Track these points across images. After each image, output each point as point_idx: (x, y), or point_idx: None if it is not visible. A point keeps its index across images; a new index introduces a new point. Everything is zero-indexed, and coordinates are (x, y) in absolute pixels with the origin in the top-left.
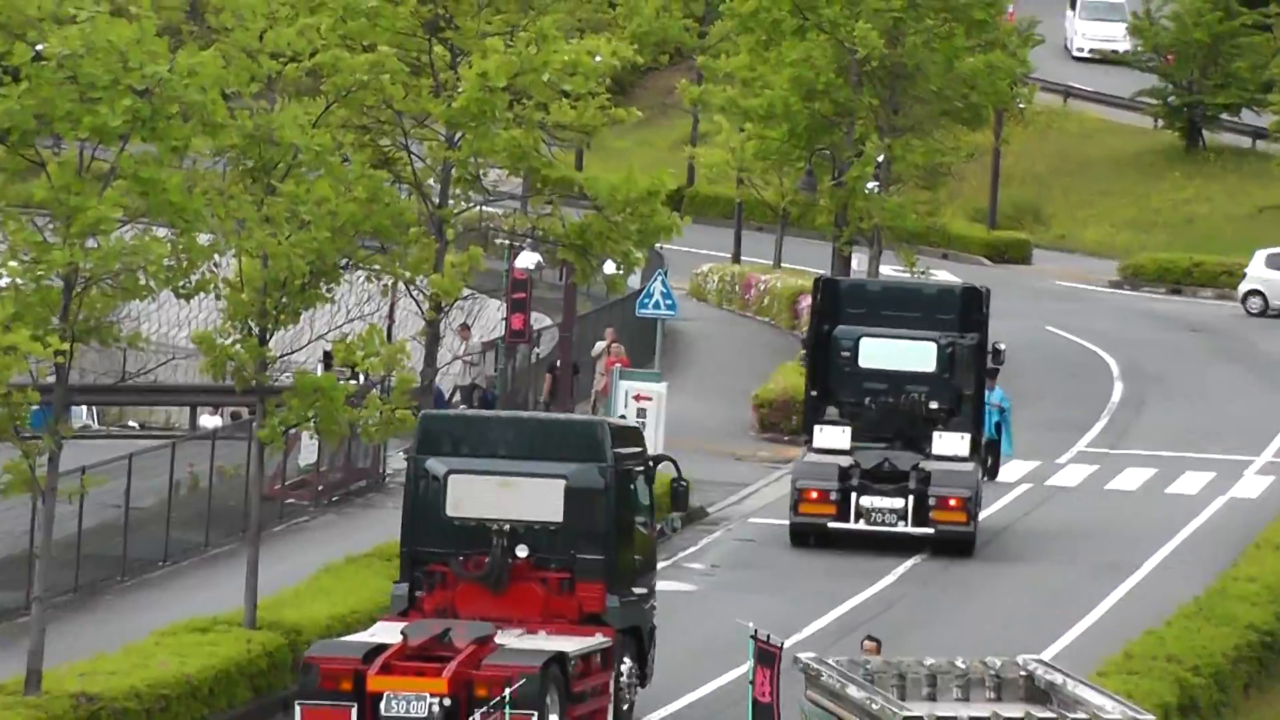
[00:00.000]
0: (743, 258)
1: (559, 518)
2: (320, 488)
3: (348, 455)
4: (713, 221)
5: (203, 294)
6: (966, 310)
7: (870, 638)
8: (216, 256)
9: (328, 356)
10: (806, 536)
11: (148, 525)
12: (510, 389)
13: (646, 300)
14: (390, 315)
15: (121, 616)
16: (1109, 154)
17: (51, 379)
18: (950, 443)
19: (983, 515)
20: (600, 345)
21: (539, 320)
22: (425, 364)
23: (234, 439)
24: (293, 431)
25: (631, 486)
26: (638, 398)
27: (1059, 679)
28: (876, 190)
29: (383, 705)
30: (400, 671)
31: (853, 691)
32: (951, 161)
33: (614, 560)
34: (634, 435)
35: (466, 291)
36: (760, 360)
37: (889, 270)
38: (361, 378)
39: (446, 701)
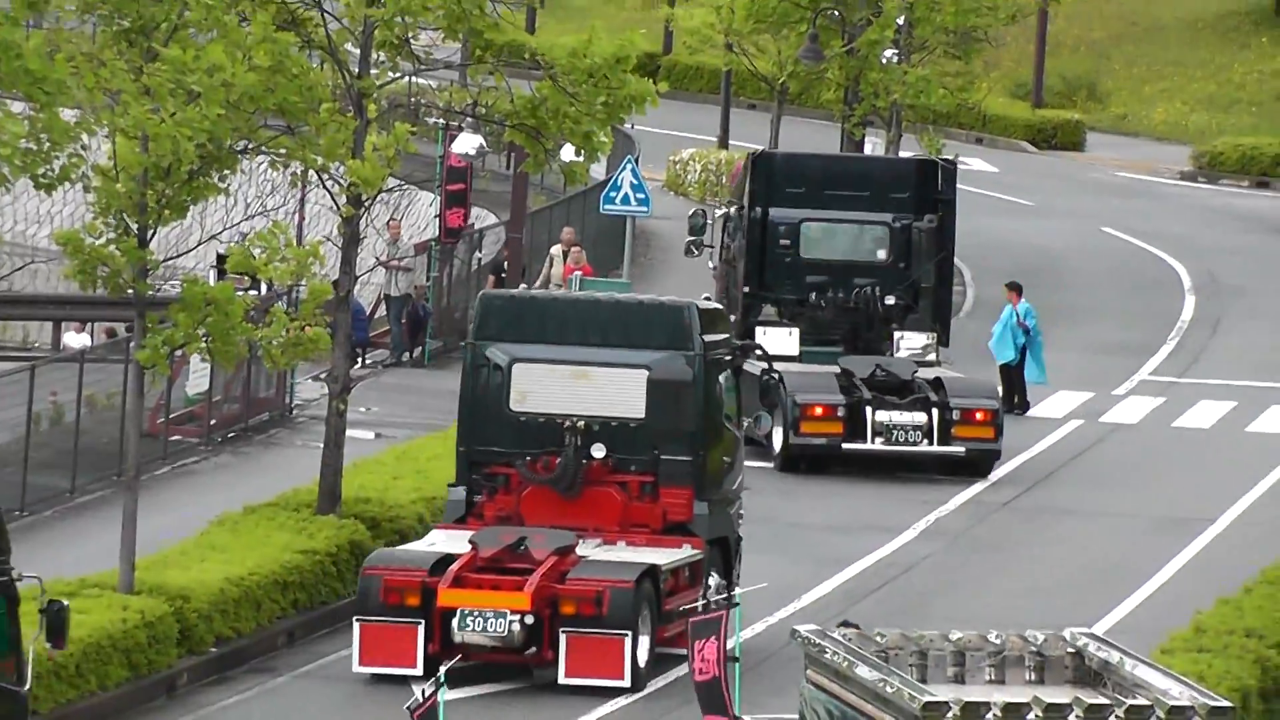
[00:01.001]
0: (731, 142)
1: (641, 413)
2: (212, 422)
3: (246, 383)
4: (695, 97)
5: (68, 184)
6: (923, 187)
7: (846, 623)
8: (85, 137)
9: (221, 261)
10: (799, 463)
11: (1, 467)
12: (447, 302)
13: (613, 193)
14: (299, 211)
15: None
16: (1182, 16)
17: None
18: (913, 343)
19: (1023, 458)
20: (556, 249)
21: (481, 217)
22: (342, 271)
23: (106, 361)
24: (179, 354)
25: (720, 378)
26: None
27: (1114, 657)
28: (895, 60)
29: (455, 623)
30: (474, 585)
31: (862, 672)
32: (988, 25)
33: (703, 462)
34: (722, 320)
35: (393, 182)
36: None
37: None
38: (263, 287)
39: (529, 619)
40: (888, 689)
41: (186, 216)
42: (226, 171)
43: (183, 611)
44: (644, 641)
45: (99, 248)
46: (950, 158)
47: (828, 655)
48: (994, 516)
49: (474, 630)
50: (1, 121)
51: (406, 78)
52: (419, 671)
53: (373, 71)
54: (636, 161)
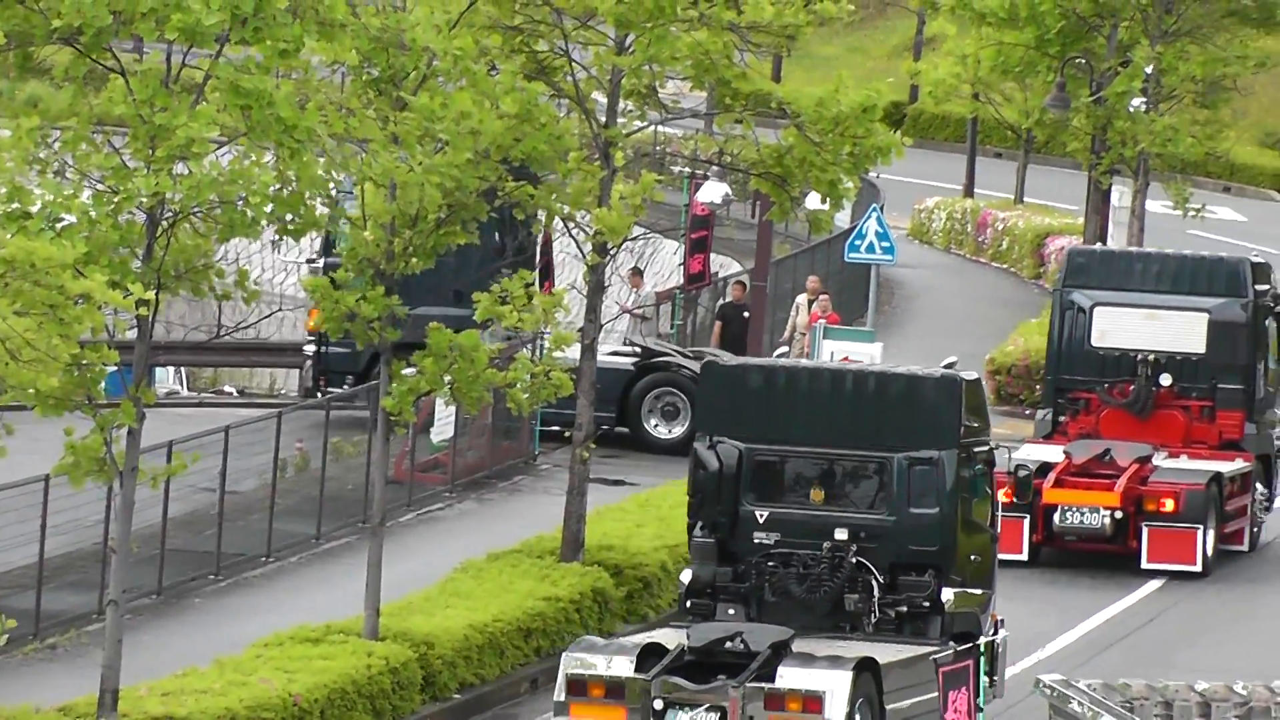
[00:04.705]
0: (976, 190)
1: (1201, 349)
2: (457, 469)
3: (490, 429)
4: (940, 146)
5: (315, 232)
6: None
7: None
8: (333, 187)
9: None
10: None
11: (247, 514)
12: (691, 349)
13: (858, 242)
14: (544, 258)
15: (214, 624)
16: None
17: (132, 334)
18: None
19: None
20: (802, 298)
21: (725, 265)
22: (586, 319)
23: (352, 409)
24: (424, 400)
25: (1265, 323)
26: (845, 361)
27: None
28: (1144, 109)
29: (1056, 516)
30: (1071, 486)
31: None
32: (1237, 73)
33: (1252, 391)
34: (1266, 274)
35: (637, 230)
36: (997, 317)
37: (1156, 206)
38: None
39: (1118, 514)
40: None
41: (433, 264)
42: (473, 220)
43: (427, 658)
44: (1210, 535)
45: (347, 296)
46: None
47: (1073, 705)
48: (1239, 564)
49: (1073, 523)
50: (251, 171)
51: (653, 127)
52: (1024, 558)
53: (620, 120)
54: (881, 210)
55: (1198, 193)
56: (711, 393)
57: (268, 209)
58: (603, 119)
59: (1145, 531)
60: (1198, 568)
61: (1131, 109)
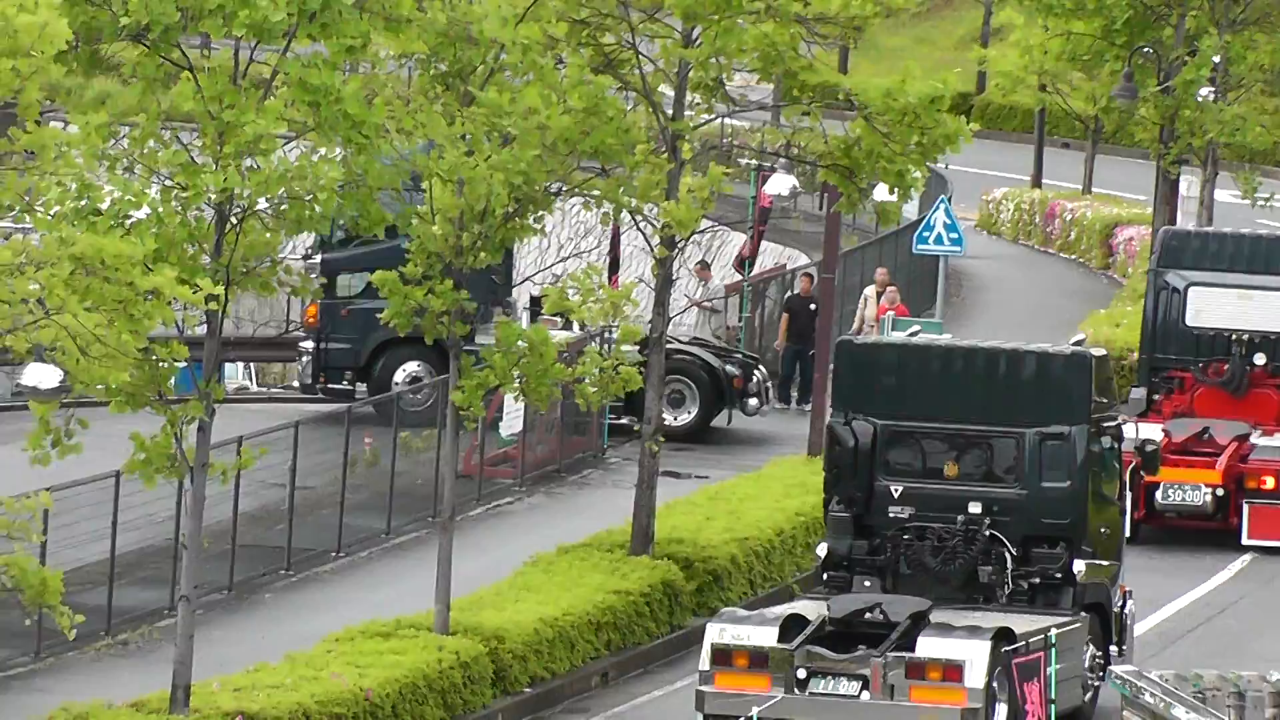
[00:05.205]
0: (1044, 181)
1: None
2: (526, 463)
3: (559, 423)
4: (1008, 137)
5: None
6: None
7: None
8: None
9: (536, 303)
10: None
11: (317, 509)
12: (760, 343)
13: (926, 233)
14: (612, 252)
15: (285, 619)
16: None
17: (202, 330)
18: None
19: None
20: (870, 289)
21: (792, 257)
22: (654, 312)
23: (422, 404)
24: (494, 395)
25: None
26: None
27: None
28: (1212, 98)
29: (1159, 493)
30: (1172, 464)
31: (1179, 713)
32: None
33: None
34: None
35: (705, 223)
36: (1066, 308)
37: (1224, 196)
38: (577, 328)
39: (1219, 491)
40: None
41: (501, 259)
42: (541, 214)
43: (497, 652)
44: None
45: (416, 291)
46: None
47: (1145, 697)
48: None
49: (1176, 500)
50: (319, 166)
51: (720, 119)
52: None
53: (687, 113)
54: (949, 201)
55: (1266, 182)
56: (846, 371)
57: (336, 204)
58: (670, 112)
59: (1246, 508)
60: None
61: (1199, 98)
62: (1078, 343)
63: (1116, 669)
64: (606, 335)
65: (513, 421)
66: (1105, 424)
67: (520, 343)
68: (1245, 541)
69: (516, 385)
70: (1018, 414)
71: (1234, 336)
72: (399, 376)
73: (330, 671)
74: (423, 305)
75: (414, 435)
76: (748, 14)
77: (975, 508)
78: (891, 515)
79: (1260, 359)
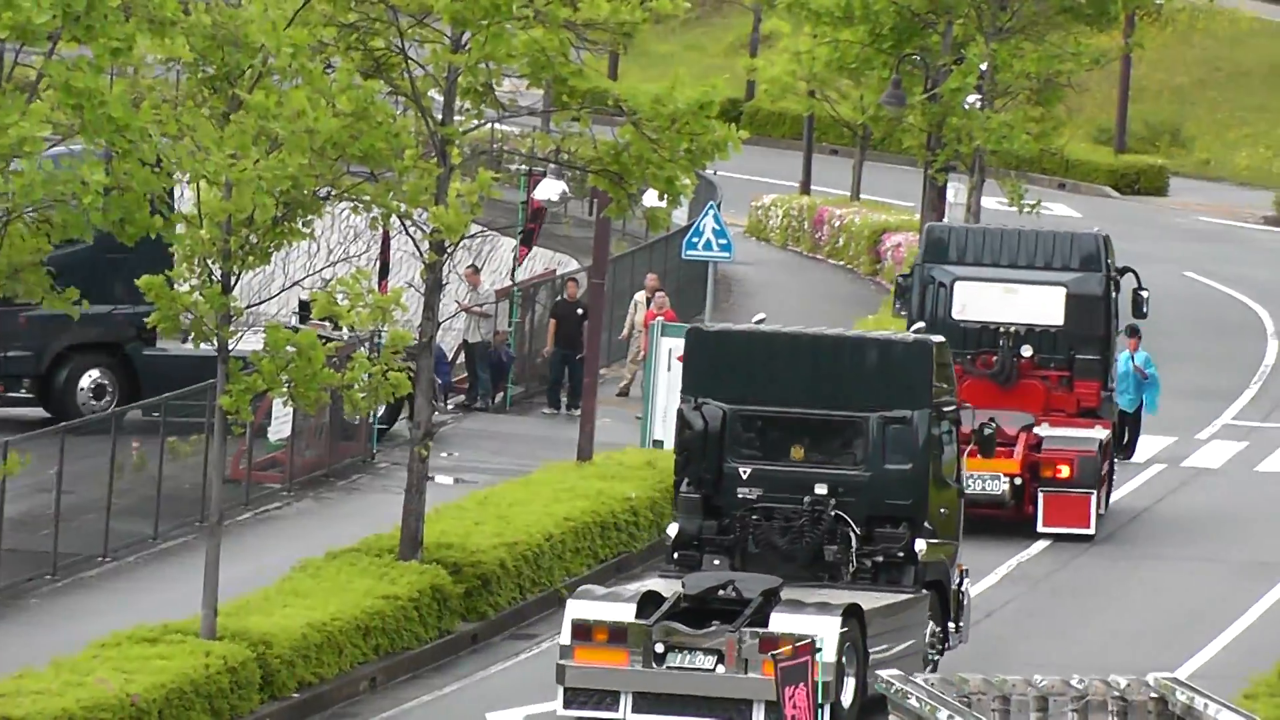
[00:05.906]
0: (813, 187)
1: (1060, 321)
2: (295, 468)
3: (328, 428)
4: (777, 143)
5: (149, 231)
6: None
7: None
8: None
9: (304, 307)
10: None
11: (83, 514)
12: (529, 348)
13: (695, 239)
14: (382, 257)
15: (51, 624)
16: (1265, 61)
17: None
18: None
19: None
20: (640, 295)
21: (563, 263)
22: (424, 317)
23: (187, 405)
24: (261, 399)
25: (1114, 295)
26: (682, 358)
27: (1199, 702)
28: (978, 105)
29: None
30: (970, 454)
31: (943, 717)
32: (1071, 71)
33: (1108, 361)
34: (1110, 247)
35: (475, 228)
36: (834, 313)
37: (991, 202)
38: (345, 333)
39: (1017, 481)
40: None
41: (269, 263)
42: (310, 218)
43: (265, 657)
44: (1098, 500)
45: (183, 295)
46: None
47: (910, 701)
48: (1076, 561)
49: (974, 490)
50: (84, 170)
51: (490, 124)
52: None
53: (456, 118)
54: (718, 207)
55: (1032, 189)
56: (696, 357)
57: (100, 209)
58: (439, 117)
59: (1041, 497)
60: (1091, 530)
61: (966, 106)
62: (919, 330)
63: (882, 673)
64: (375, 340)
65: (281, 426)
66: (945, 409)
67: (289, 347)
68: (1040, 529)
69: (285, 389)
70: (862, 399)
71: (1001, 329)
72: (84, 383)
73: (96, 677)
74: (188, 309)
75: (181, 440)
76: (516, 20)
77: (821, 489)
78: (740, 496)
79: (1027, 350)
